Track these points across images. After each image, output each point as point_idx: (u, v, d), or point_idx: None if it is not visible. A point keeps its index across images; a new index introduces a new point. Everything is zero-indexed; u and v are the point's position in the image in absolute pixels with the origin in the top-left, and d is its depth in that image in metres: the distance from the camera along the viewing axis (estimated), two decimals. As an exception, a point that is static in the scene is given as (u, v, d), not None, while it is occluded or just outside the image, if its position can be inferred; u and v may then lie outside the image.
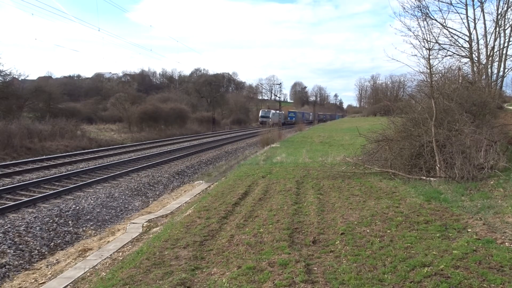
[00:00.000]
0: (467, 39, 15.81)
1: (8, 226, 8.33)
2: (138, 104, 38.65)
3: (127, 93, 44.74)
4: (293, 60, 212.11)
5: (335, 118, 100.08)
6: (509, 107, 17.85)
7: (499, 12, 15.73)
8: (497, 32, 15.90)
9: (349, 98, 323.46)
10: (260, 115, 67.63)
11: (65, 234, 8.81)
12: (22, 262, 7.21)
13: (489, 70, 16.25)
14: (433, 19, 15.61)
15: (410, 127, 11.18)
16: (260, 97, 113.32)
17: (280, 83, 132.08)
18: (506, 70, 16.72)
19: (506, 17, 15.81)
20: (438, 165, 9.40)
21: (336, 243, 5.28)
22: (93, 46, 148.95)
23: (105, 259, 6.58)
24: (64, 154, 19.57)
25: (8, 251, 7.36)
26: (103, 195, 11.87)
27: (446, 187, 8.27)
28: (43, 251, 7.85)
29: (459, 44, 16.01)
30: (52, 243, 8.25)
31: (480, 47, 16.06)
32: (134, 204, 12.13)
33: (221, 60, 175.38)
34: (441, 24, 15.75)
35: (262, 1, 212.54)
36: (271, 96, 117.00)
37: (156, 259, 5.13)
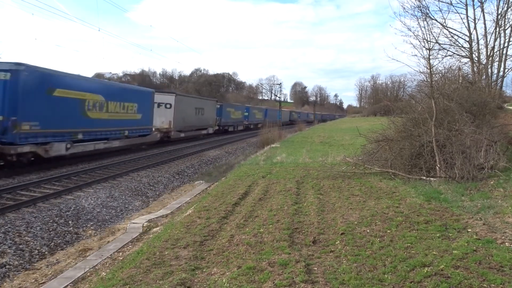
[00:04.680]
0: (467, 39, 15.86)
1: (8, 226, 8.32)
2: (138, 104, 38.53)
3: (127, 93, 44.62)
4: (294, 60, 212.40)
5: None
6: (509, 107, 17.86)
7: (499, 12, 15.80)
8: (497, 32, 15.96)
9: (349, 98, 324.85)
10: None
11: (65, 234, 8.81)
12: (22, 262, 7.21)
13: (489, 70, 16.31)
14: (433, 19, 15.69)
15: (410, 127, 11.18)
16: (260, 97, 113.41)
17: (280, 83, 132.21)
18: (506, 70, 16.80)
19: (506, 17, 15.89)
20: (438, 165, 9.40)
21: (336, 243, 5.28)
22: (93, 46, 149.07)
23: (105, 259, 6.58)
24: (64, 154, 19.52)
25: (8, 251, 7.36)
26: (103, 195, 11.87)
27: (446, 187, 8.27)
28: (43, 251, 7.85)
29: (459, 44, 16.07)
30: (52, 243, 8.25)
31: (480, 47, 16.13)
32: (134, 204, 12.12)
33: (221, 60, 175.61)
34: (441, 24, 15.82)
35: (264, 1, 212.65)
36: (271, 96, 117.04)
37: (156, 259, 5.13)
